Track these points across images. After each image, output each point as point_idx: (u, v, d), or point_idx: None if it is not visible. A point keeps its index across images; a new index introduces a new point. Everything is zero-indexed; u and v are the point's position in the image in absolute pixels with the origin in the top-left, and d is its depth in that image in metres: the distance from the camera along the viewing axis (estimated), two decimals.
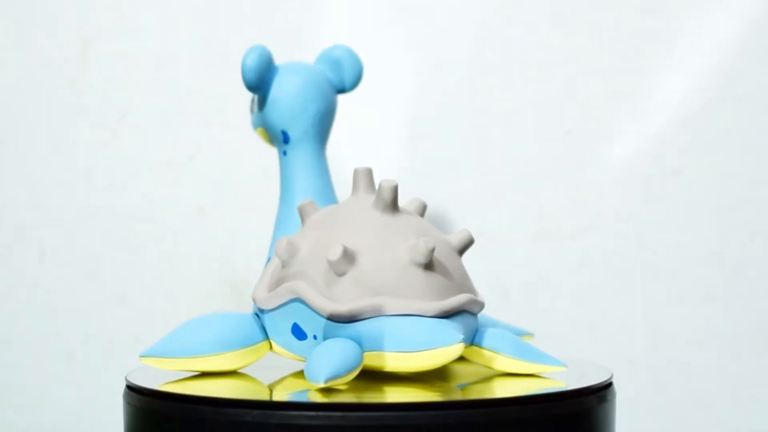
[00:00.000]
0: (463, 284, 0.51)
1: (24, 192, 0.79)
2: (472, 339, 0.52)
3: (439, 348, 0.48)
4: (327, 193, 0.60)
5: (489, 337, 0.52)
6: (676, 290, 0.75)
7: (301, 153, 0.60)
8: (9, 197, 0.79)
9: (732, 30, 0.75)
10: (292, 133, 0.61)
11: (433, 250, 0.49)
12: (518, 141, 0.76)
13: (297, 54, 0.78)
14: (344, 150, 0.78)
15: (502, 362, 0.51)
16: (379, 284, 0.49)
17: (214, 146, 0.78)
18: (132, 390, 0.50)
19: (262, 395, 0.48)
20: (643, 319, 0.75)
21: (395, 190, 0.51)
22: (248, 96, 0.63)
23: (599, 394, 0.49)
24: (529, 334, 0.61)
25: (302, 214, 0.54)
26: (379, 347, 0.49)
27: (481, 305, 0.52)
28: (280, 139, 0.61)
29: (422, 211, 0.55)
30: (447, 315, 0.49)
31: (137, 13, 0.78)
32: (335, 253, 0.49)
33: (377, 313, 0.49)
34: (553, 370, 0.51)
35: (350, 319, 0.49)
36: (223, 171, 0.78)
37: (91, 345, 0.79)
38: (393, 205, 0.51)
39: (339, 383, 0.47)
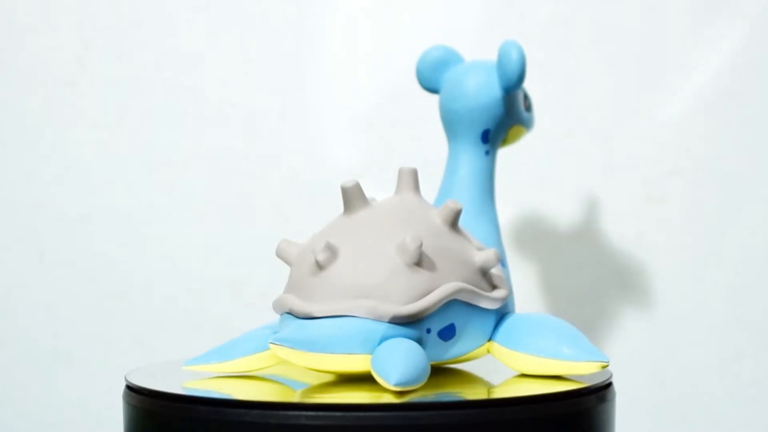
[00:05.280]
0: (378, 291, 0.48)
1: (24, 192, 0.79)
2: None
3: (271, 346, 0.48)
4: (475, 192, 0.58)
5: (382, 345, 0.48)
6: (676, 290, 0.75)
7: (453, 152, 0.59)
8: (9, 197, 0.79)
9: (732, 30, 0.75)
10: (446, 131, 0.60)
11: (325, 251, 0.48)
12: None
13: (296, 53, 0.78)
14: (349, 147, 0.78)
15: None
16: (291, 284, 0.50)
17: (214, 146, 0.78)
18: (132, 390, 0.50)
19: (263, 395, 0.48)
20: (643, 319, 0.75)
21: (354, 189, 0.50)
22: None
23: (599, 394, 0.49)
24: (603, 361, 0.50)
25: None
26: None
27: (385, 314, 0.47)
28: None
29: (451, 216, 0.51)
30: (324, 317, 0.48)
31: (137, 13, 0.78)
32: (277, 251, 0.52)
33: (282, 311, 0.50)
34: (392, 388, 0.46)
35: (278, 313, 0.51)
36: (223, 171, 0.78)
37: (91, 345, 0.79)
38: (353, 205, 0.50)
39: (204, 368, 0.52)
